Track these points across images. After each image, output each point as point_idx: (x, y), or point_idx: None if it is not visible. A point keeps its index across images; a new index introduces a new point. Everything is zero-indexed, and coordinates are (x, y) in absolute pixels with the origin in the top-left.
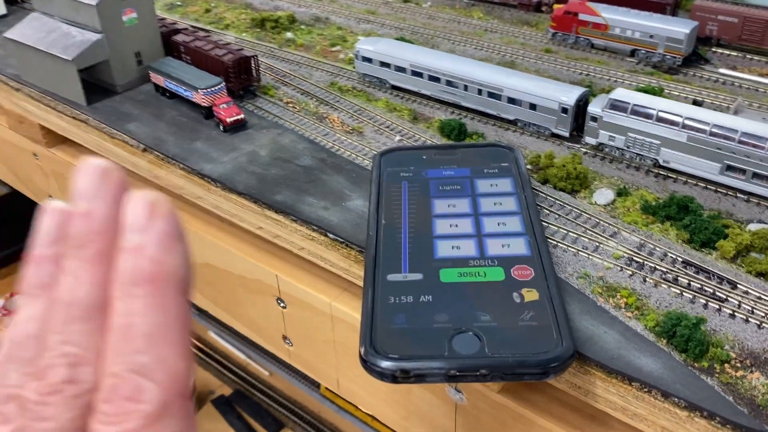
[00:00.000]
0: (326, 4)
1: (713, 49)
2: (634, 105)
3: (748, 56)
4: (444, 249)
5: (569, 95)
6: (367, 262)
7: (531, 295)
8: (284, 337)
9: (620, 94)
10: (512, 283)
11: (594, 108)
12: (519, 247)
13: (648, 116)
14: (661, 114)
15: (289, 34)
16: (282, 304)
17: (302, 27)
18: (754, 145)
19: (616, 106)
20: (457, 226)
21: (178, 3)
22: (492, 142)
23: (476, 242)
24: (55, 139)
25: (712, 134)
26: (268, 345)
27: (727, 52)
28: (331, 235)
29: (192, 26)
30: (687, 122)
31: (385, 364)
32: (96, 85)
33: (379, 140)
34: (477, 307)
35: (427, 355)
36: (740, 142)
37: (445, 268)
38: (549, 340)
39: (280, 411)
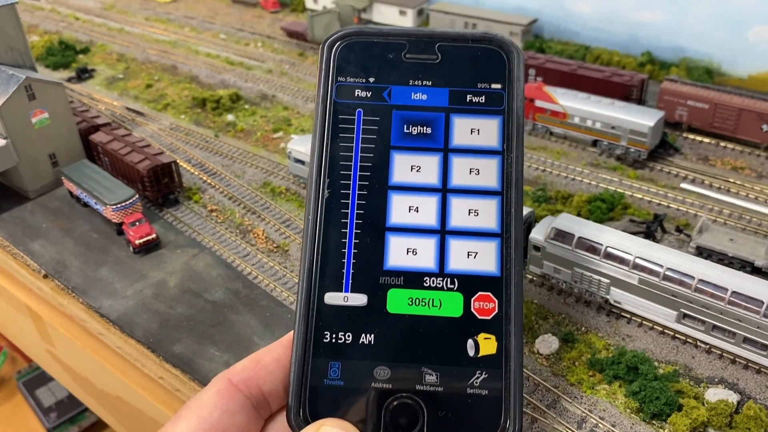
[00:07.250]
0: (276, 77)
1: (684, 135)
2: (580, 237)
3: (722, 144)
4: (397, 253)
5: None
6: (302, 265)
7: (488, 345)
8: None
9: (564, 223)
10: (469, 323)
11: (536, 236)
12: (488, 258)
13: (595, 251)
14: (609, 250)
15: (230, 116)
16: None
17: (246, 107)
18: (713, 295)
19: (561, 235)
20: (417, 209)
21: (120, 76)
22: (485, 33)
23: (437, 243)
24: None
25: (666, 278)
26: None
27: (699, 138)
28: None
29: (127, 108)
30: (638, 262)
31: None
32: (9, 188)
33: None
34: (424, 359)
35: None
36: (697, 290)
37: (395, 289)
38: (495, 421)
39: None
